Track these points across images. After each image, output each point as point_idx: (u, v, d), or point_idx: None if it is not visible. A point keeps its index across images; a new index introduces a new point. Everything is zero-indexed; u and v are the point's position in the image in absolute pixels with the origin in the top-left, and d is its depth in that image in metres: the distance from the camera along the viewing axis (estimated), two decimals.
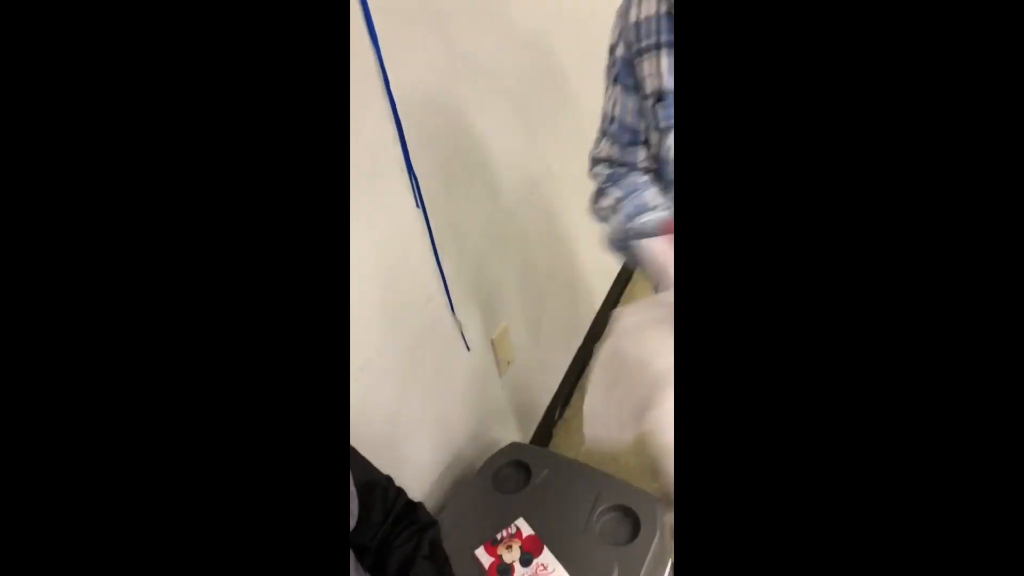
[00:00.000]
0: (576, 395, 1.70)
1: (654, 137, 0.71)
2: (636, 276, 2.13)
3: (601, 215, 0.80)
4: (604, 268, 1.92)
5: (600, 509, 0.90)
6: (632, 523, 0.88)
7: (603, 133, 0.78)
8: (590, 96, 1.49)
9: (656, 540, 0.85)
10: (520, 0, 1.15)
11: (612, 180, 0.78)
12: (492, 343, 1.23)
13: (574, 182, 1.51)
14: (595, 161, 0.80)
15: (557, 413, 1.63)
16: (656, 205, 0.75)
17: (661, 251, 0.74)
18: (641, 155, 0.75)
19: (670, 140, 0.69)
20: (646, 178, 0.76)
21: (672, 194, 0.75)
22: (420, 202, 0.92)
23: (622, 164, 0.77)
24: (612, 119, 0.75)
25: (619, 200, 0.75)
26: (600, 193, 0.79)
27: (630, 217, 0.76)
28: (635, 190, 0.76)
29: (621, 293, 2.05)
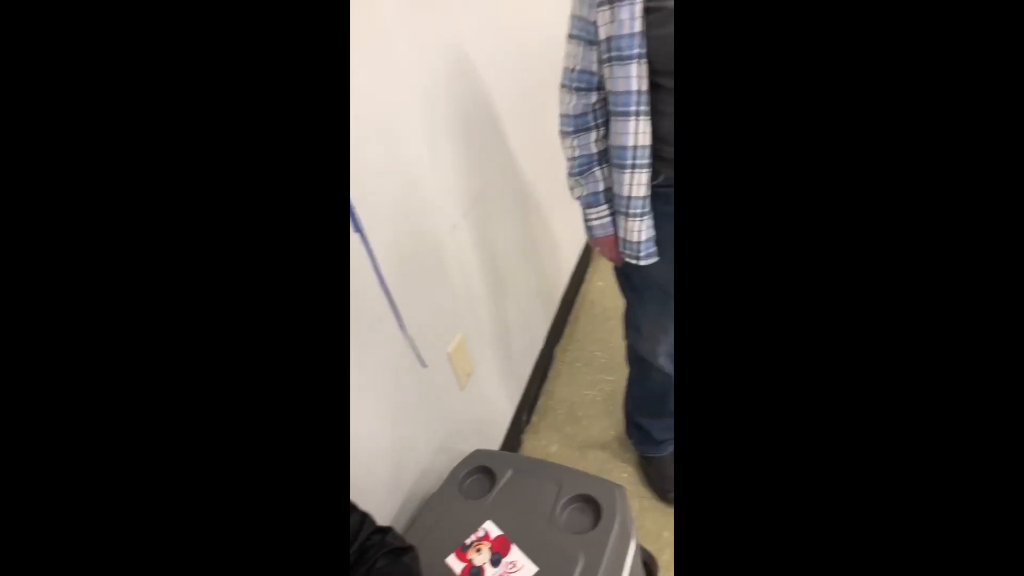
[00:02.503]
0: (541, 399, 1.74)
1: (604, 71, 0.90)
2: (589, 276, 2.19)
3: (572, 192, 1.09)
4: (558, 270, 1.97)
5: (563, 501, 0.94)
6: (594, 511, 0.92)
7: (566, 87, 0.97)
8: (521, 122, 1.54)
9: (617, 524, 0.89)
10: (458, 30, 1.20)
11: (579, 170, 1.04)
12: (448, 356, 1.26)
13: (514, 195, 1.55)
14: (563, 119, 1.01)
15: (524, 419, 1.66)
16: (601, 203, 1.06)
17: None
18: (594, 97, 0.96)
19: (607, 69, 0.89)
20: (604, 173, 1.03)
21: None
22: (357, 227, 0.95)
23: (584, 114, 0.98)
24: (572, 70, 0.95)
25: (581, 189, 1.06)
26: (569, 174, 1.06)
27: (584, 204, 1.07)
28: (595, 188, 1.04)
29: (577, 292, 2.10)
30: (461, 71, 1.28)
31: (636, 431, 1.41)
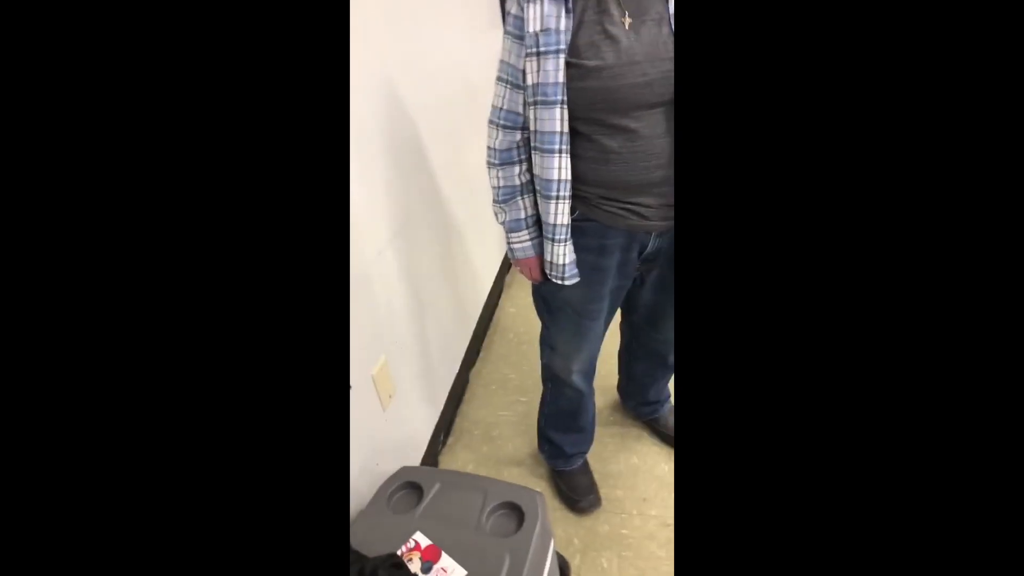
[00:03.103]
0: (457, 420, 1.80)
1: (530, 113, 1.02)
2: (501, 303, 2.30)
3: (497, 217, 1.18)
4: (475, 297, 2.05)
5: (488, 509, 1.01)
6: (518, 516, 1.00)
7: (493, 123, 1.09)
8: (443, 154, 1.63)
9: (539, 526, 0.98)
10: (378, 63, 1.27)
11: (504, 198, 1.14)
12: (372, 378, 1.30)
13: (437, 223, 1.63)
14: (491, 151, 1.12)
15: (441, 440, 1.70)
16: (523, 228, 1.16)
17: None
18: (518, 136, 1.08)
19: (532, 111, 1.01)
20: (526, 203, 1.14)
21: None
22: None
23: (509, 149, 1.10)
24: (500, 108, 1.06)
25: (505, 215, 1.16)
26: (494, 201, 1.15)
27: (507, 229, 1.17)
28: (518, 215, 1.14)
29: (491, 318, 2.20)
30: (389, 107, 1.35)
31: (548, 446, 1.51)
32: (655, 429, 1.65)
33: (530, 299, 1.31)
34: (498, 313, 2.24)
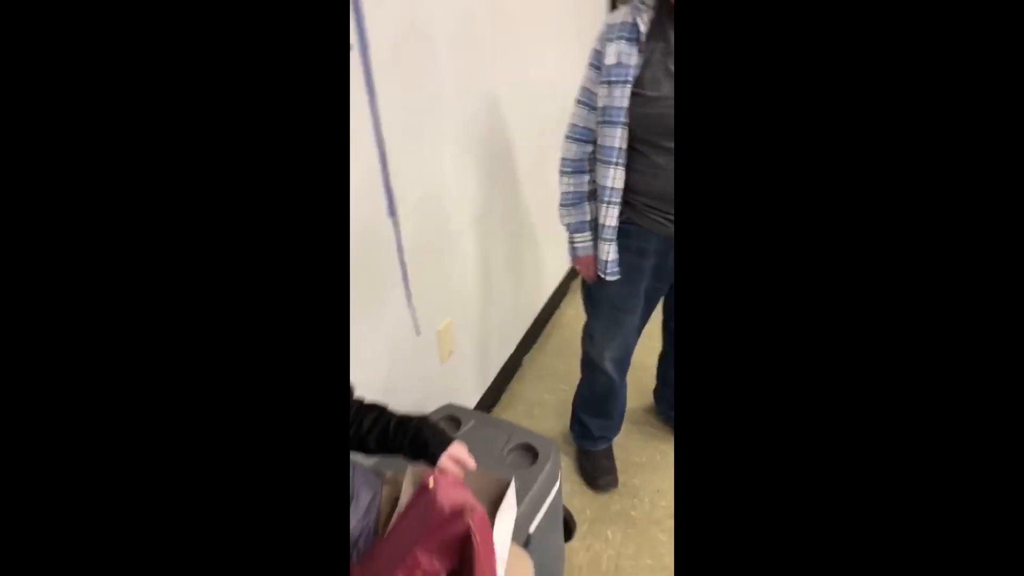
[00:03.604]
0: (504, 395, 2.01)
1: (598, 130, 1.24)
2: (563, 306, 2.49)
3: (562, 219, 1.39)
4: (537, 293, 2.27)
5: (509, 447, 1.21)
6: (532, 456, 1.20)
7: (569, 137, 1.31)
8: (528, 161, 1.87)
9: (549, 464, 1.17)
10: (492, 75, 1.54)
11: (570, 202, 1.35)
12: (438, 333, 1.54)
13: (513, 220, 1.87)
14: (564, 161, 1.33)
15: (487, 407, 1.92)
16: (586, 230, 1.36)
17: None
18: (589, 148, 1.29)
19: (600, 129, 1.23)
20: (590, 208, 1.34)
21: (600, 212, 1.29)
22: (393, 211, 1.25)
23: (580, 159, 1.31)
24: (576, 125, 1.29)
25: (571, 217, 1.37)
26: (561, 204, 1.36)
27: (571, 230, 1.37)
28: (582, 218, 1.35)
29: (551, 315, 2.40)
30: (489, 109, 1.61)
31: (578, 426, 1.69)
32: None
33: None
34: (558, 314, 2.44)
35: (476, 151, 1.58)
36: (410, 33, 1.22)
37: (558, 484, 1.21)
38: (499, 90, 1.65)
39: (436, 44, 1.31)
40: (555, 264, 2.40)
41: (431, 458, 0.88)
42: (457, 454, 0.90)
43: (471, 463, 0.91)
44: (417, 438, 0.89)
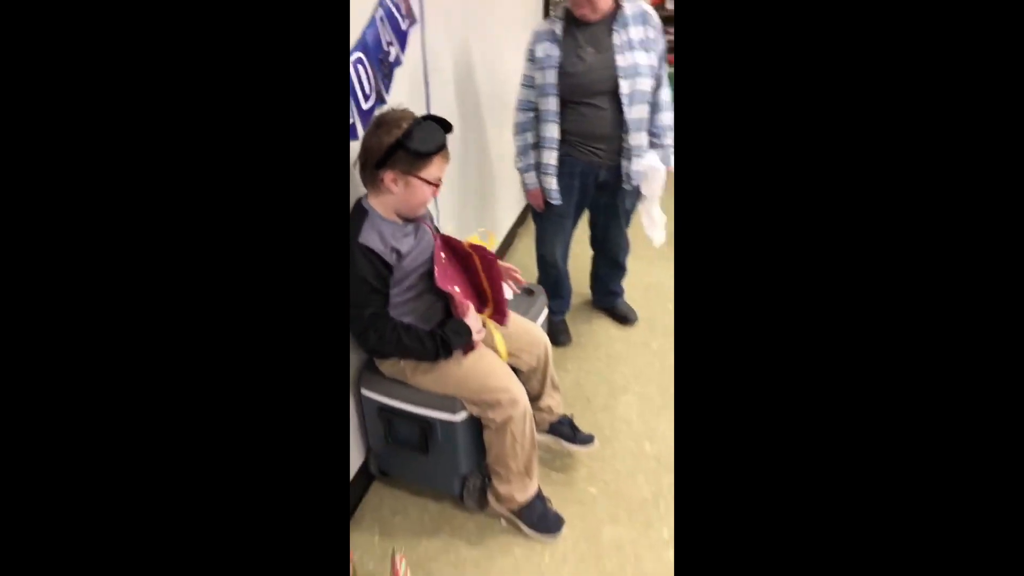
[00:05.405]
0: None
1: (538, 101, 2.01)
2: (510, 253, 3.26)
3: (516, 163, 2.13)
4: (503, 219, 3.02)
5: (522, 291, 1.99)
6: (530, 292, 1.98)
7: (517, 108, 2.08)
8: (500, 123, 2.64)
9: (541, 297, 1.95)
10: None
11: (520, 151, 2.11)
12: None
13: (481, 161, 2.62)
14: (515, 125, 2.09)
15: None
16: (531, 171, 2.11)
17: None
18: (531, 114, 2.02)
19: (539, 99, 2.00)
20: (533, 154, 2.08)
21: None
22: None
23: (525, 122, 2.06)
24: (522, 100, 2.08)
25: (520, 162, 2.11)
26: (517, 154, 2.11)
27: (522, 171, 2.12)
28: (528, 163, 2.09)
29: (511, 244, 3.15)
30: (462, 84, 2.36)
31: None
32: (611, 313, 2.64)
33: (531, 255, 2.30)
34: (511, 250, 3.21)
35: (458, 124, 2.33)
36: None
37: (545, 311, 2.00)
38: (473, 73, 2.40)
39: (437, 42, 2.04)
40: (510, 210, 3.18)
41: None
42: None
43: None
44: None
